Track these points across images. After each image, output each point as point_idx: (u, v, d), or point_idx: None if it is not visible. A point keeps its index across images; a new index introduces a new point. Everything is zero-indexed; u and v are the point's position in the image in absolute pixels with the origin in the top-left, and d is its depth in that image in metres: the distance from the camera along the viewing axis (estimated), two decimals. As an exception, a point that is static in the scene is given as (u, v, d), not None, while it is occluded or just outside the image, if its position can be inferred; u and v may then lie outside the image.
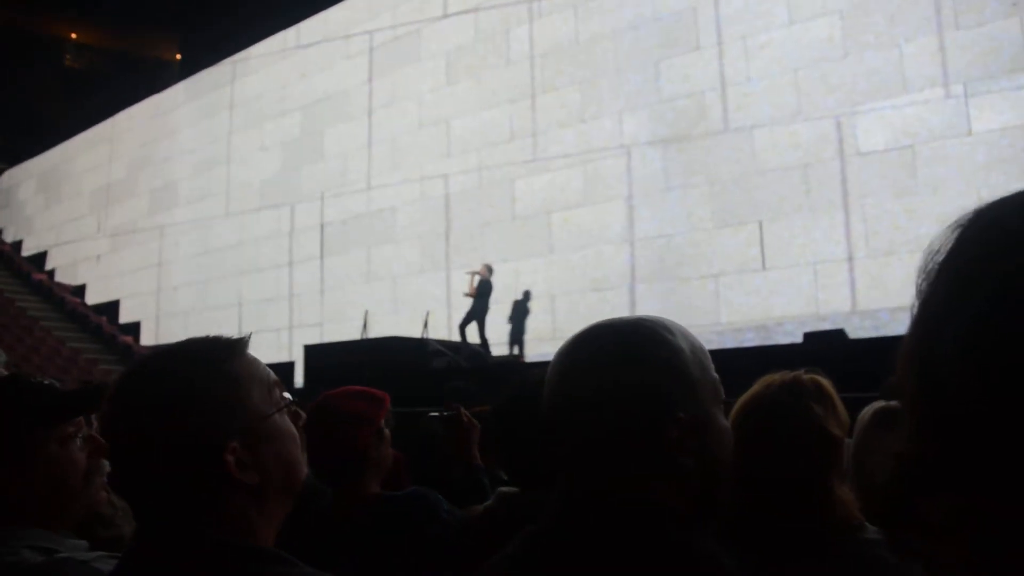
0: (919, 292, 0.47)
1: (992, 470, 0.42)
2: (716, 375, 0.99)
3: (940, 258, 0.46)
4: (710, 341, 10.41)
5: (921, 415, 0.46)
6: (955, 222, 0.47)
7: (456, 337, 11.96)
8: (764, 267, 11.25)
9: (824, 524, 1.39)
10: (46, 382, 1.22)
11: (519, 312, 12.54)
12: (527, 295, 12.67)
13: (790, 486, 1.40)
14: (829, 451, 1.43)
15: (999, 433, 0.41)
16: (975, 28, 9.94)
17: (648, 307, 11.61)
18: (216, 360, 0.99)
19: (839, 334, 8.12)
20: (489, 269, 12.00)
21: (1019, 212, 0.44)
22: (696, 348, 0.98)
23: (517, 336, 12.42)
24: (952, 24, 10.11)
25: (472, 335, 11.78)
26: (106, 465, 1.24)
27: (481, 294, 11.79)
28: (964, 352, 0.42)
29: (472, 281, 11.89)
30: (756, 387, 1.52)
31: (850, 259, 10.55)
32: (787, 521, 1.38)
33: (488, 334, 11.84)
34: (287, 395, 1.06)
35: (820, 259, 10.78)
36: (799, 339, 8.58)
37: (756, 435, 1.42)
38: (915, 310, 0.47)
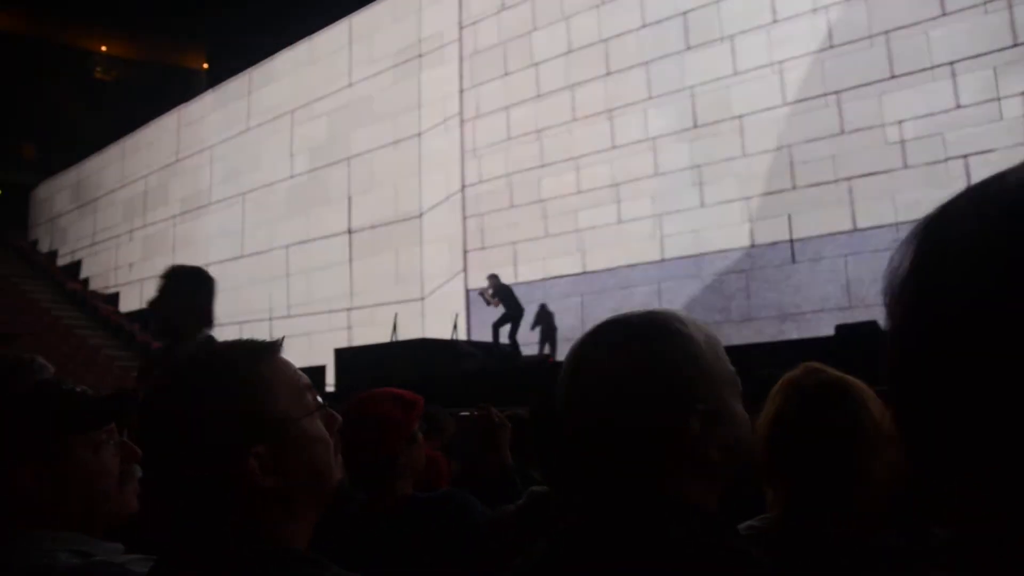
0: (888, 314, 0.45)
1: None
2: (732, 367, 0.97)
3: (901, 274, 0.44)
4: (743, 336, 10.40)
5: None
6: (911, 233, 0.44)
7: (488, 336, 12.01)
8: (794, 260, 11.15)
9: (859, 520, 1.36)
10: (78, 389, 1.23)
11: (544, 314, 12.57)
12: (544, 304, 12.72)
13: (830, 482, 1.37)
14: (865, 444, 1.40)
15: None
16: (1003, 12, 9.79)
17: (678, 303, 11.54)
18: (243, 364, 0.98)
19: (872, 325, 8.01)
20: (495, 277, 12.07)
21: (962, 224, 0.42)
22: (710, 338, 0.96)
23: (548, 336, 12.44)
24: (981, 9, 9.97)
25: (504, 337, 11.83)
26: (138, 471, 1.25)
27: (504, 299, 11.84)
28: (923, 379, 0.41)
29: (486, 296, 11.97)
30: (780, 390, 1.48)
31: (883, 250, 10.42)
32: (830, 521, 1.36)
33: (519, 337, 11.87)
34: (319, 399, 1.05)
35: (852, 251, 10.66)
36: (832, 331, 8.50)
37: (795, 437, 1.40)
38: (888, 331, 0.45)
